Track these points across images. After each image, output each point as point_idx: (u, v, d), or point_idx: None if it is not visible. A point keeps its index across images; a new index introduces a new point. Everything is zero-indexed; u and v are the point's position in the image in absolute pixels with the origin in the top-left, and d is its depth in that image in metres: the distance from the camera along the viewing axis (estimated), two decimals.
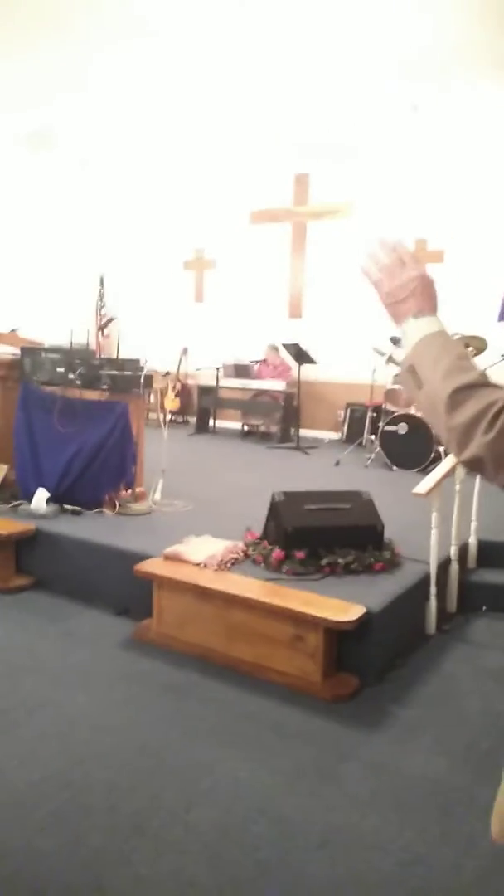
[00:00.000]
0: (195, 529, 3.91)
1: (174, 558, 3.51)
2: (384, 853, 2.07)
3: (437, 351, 1.03)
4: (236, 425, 8.87)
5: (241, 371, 8.28)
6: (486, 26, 4.94)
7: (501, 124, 7.06)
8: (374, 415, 7.15)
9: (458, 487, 3.79)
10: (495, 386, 0.96)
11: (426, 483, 3.50)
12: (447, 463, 3.70)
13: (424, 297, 1.14)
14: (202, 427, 8.70)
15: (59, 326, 8.16)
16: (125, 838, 2.08)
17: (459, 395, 0.96)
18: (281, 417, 8.12)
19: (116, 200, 9.66)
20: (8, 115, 6.88)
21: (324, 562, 3.42)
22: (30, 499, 4.33)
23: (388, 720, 2.78)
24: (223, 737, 2.63)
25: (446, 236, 7.80)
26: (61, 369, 4.60)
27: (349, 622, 2.89)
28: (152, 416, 5.99)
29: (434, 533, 3.49)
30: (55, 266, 9.54)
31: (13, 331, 5.74)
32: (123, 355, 5.25)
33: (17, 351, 4.95)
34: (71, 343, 5.11)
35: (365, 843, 2.10)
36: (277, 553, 3.47)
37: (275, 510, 3.66)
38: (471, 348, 6.45)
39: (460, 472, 3.77)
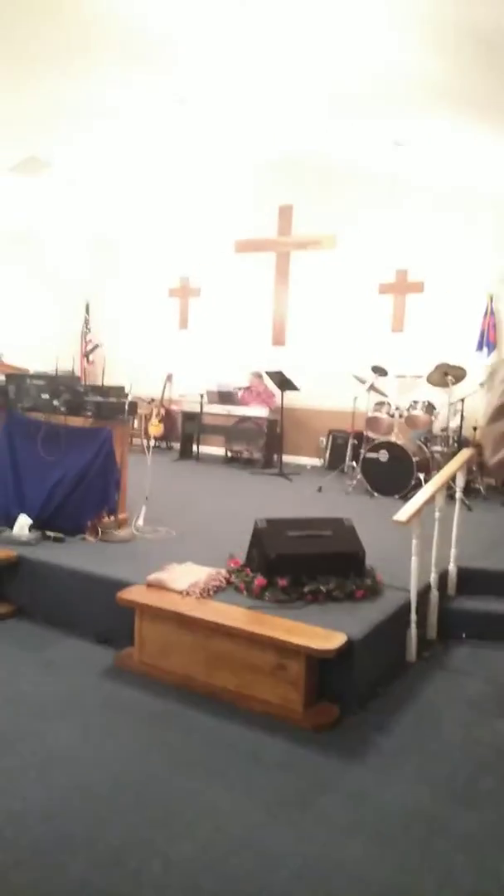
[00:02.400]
0: (178, 556, 3.92)
1: (156, 586, 3.51)
2: (364, 884, 2.07)
3: None
4: (220, 451, 8.90)
5: (224, 397, 8.34)
6: (465, 67, 5.12)
7: (480, 160, 7.27)
8: (356, 442, 7.22)
9: (437, 515, 3.84)
10: None
11: (406, 510, 3.54)
12: (427, 490, 3.75)
13: None
14: (186, 453, 8.72)
15: (44, 353, 8.21)
16: (105, 872, 2.07)
17: None
18: (264, 444, 8.17)
19: (103, 226, 9.76)
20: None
21: (306, 589, 3.44)
22: (11, 525, 4.32)
23: (369, 749, 2.79)
24: (204, 767, 2.62)
25: (426, 268, 7.97)
26: (46, 396, 4.62)
27: (331, 650, 2.90)
28: (136, 441, 6.02)
29: (414, 560, 3.53)
30: (41, 292, 9.59)
31: None
32: (108, 382, 5.29)
33: (2, 377, 4.97)
34: (56, 369, 5.15)
35: (345, 873, 2.10)
36: (260, 580, 3.48)
37: (258, 537, 3.68)
38: (450, 377, 6.58)
39: (440, 499, 3.82)
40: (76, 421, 4.56)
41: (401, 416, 6.82)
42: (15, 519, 4.32)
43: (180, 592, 3.43)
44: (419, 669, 3.49)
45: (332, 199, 8.40)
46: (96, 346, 10.08)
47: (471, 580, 4.11)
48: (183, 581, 3.52)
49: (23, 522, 4.29)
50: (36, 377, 4.88)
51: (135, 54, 5.45)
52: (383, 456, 6.49)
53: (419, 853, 2.20)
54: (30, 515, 4.33)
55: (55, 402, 4.58)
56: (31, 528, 4.29)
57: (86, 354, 10.11)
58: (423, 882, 2.08)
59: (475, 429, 7.10)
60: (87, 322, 10.25)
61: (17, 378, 4.81)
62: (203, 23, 4.90)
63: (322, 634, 3.01)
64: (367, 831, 2.29)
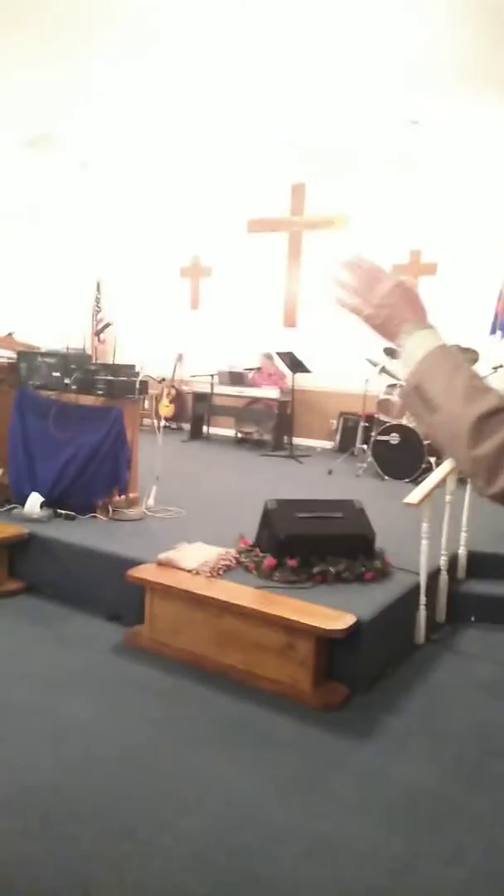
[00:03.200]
0: (188, 536, 3.93)
1: (167, 564, 3.52)
2: (372, 862, 2.08)
3: (449, 371, 0.93)
4: (230, 432, 8.89)
5: (235, 378, 8.31)
6: (483, 43, 5.02)
7: (496, 140, 7.15)
8: (367, 424, 7.19)
9: (448, 498, 3.82)
10: None
11: (417, 493, 3.53)
12: (438, 473, 3.74)
13: (411, 308, 1.03)
14: (196, 434, 8.72)
15: (56, 331, 8.19)
16: (114, 844, 2.09)
17: (487, 423, 0.86)
18: (274, 425, 8.15)
19: (115, 205, 9.69)
20: (9, 120, 6.91)
21: (315, 570, 3.44)
22: (23, 503, 4.34)
23: (378, 729, 2.80)
24: (214, 744, 2.64)
25: (440, 249, 7.88)
26: (57, 374, 4.61)
27: (340, 630, 2.91)
28: (146, 421, 6.01)
29: (424, 543, 3.52)
30: (52, 270, 9.56)
31: (9, 334, 5.75)
32: (119, 361, 5.27)
33: (14, 355, 4.97)
34: (67, 348, 5.14)
35: (353, 851, 2.12)
36: (269, 560, 3.49)
37: (267, 518, 3.68)
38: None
39: (451, 482, 3.80)
40: (87, 399, 4.55)
41: None
42: (27, 497, 4.34)
43: (190, 571, 3.44)
44: (428, 652, 3.50)
45: (346, 178, 8.29)
46: (107, 325, 10.06)
47: (481, 563, 4.10)
48: (193, 560, 3.53)
49: (34, 500, 4.31)
50: (47, 355, 4.86)
51: (149, 29, 5.37)
52: (394, 439, 6.46)
53: (428, 833, 2.22)
54: (41, 493, 4.35)
55: (66, 381, 4.57)
56: (43, 505, 4.30)
57: (97, 333, 10.09)
58: (432, 861, 2.10)
59: None
60: (97, 300, 10.22)
61: (29, 356, 4.80)
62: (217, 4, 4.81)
63: (331, 615, 3.01)
64: (376, 810, 2.31)
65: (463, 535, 4.06)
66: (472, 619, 3.85)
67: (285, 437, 8.04)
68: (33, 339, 5.68)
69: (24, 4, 4.96)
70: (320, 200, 8.55)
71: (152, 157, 8.36)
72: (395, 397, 6.85)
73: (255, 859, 2.06)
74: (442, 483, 3.69)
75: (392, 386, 6.97)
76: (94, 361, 5.36)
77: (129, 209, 9.78)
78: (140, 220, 9.89)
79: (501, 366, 6.49)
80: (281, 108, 7.18)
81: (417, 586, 3.53)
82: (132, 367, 4.85)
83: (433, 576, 3.71)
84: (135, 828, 2.16)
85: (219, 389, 8.33)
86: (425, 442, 6.33)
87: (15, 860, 2.01)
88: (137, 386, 4.65)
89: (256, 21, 5.13)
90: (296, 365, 7.61)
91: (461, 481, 4.40)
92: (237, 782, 2.42)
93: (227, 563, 3.60)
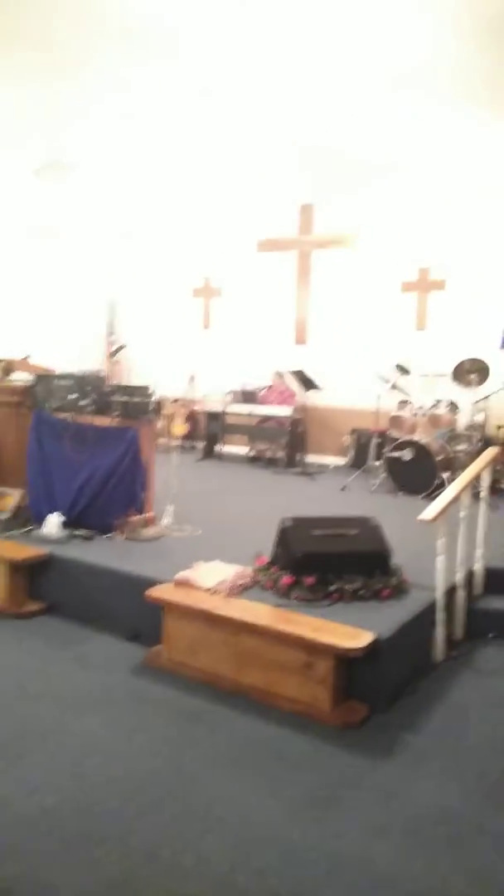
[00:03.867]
0: (204, 554, 3.96)
1: (184, 584, 3.55)
2: (394, 883, 2.08)
3: None
4: (243, 450, 8.94)
5: (247, 397, 8.37)
6: (490, 58, 5.08)
7: (502, 155, 7.21)
8: (380, 440, 7.21)
9: (462, 514, 3.83)
10: None
11: (432, 509, 3.54)
12: (452, 489, 3.75)
13: None
14: (209, 452, 8.77)
15: (71, 353, 8.30)
16: (137, 866, 2.10)
17: None
18: (287, 443, 8.18)
19: (126, 228, 9.85)
20: (20, 142, 7.06)
21: (332, 588, 3.45)
22: (42, 524, 4.39)
23: (398, 748, 2.80)
24: (233, 763, 2.65)
25: (448, 265, 7.93)
26: (73, 396, 4.68)
27: (358, 649, 2.92)
28: (160, 441, 6.07)
29: (440, 559, 3.52)
30: (66, 293, 9.70)
31: (25, 358, 5.85)
32: (133, 382, 5.34)
33: (30, 378, 5.05)
34: (82, 370, 5.21)
35: (375, 872, 2.12)
36: (287, 579, 3.51)
37: (284, 536, 3.71)
38: (474, 375, 6.54)
39: (465, 498, 3.81)
40: (103, 421, 4.62)
41: (424, 414, 6.79)
42: (45, 517, 4.39)
43: (207, 590, 3.47)
44: (447, 669, 3.49)
45: (354, 196, 8.40)
46: (121, 347, 10.17)
47: (498, 579, 4.09)
48: (210, 579, 3.55)
49: (52, 521, 4.36)
50: (63, 377, 4.94)
51: (157, 48, 5.48)
52: (407, 455, 6.47)
53: (450, 853, 2.21)
54: (59, 514, 4.39)
55: (82, 402, 4.64)
56: (61, 526, 4.35)
57: (111, 354, 10.20)
58: (455, 882, 2.09)
59: (500, 427, 7.05)
60: (111, 323, 10.35)
61: (45, 379, 4.88)
62: (224, 14, 4.90)
63: (349, 633, 3.02)
64: (397, 830, 2.31)
65: (479, 551, 4.06)
66: (491, 635, 3.84)
67: (298, 455, 8.07)
68: (49, 361, 5.78)
69: (29, 24, 5.09)
70: (329, 220, 8.65)
71: (162, 180, 8.50)
72: (407, 413, 6.87)
73: (276, 880, 2.07)
74: (457, 499, 3.70)
75: (404, 402, 7.00)
76: (109, 383, 5.42)
77: (141, 231, 9.93)
78: (151, 242, 10.04)
79: None
80: (288, 130, 7.30)
81: (434, 603, 3.53)
82: (146, 387, 4.91)
83: (450, 593, 3.70)
84: (157, 849, 2.17)
85: (231, 408, 8.39)
86: (438, 457, 6.33)
87: (37, 882, 2.02)
88: (152, 406, 4.71)
89: (264, 40, 5.22)
90: (307, 382, 7.66)
91: (476, 497, 4.41)
92: (258, 802, 2.43)
93: (244, 581, 3.62)
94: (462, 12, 4.58)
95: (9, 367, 5.20)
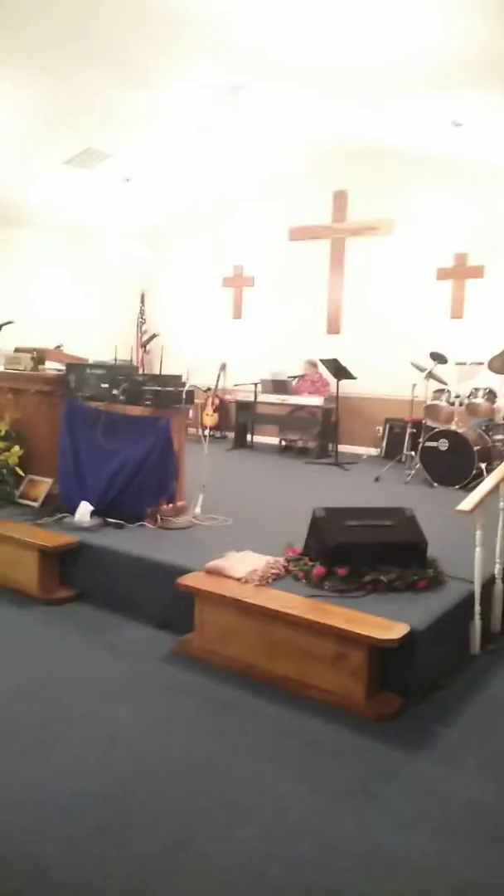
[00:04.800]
0: (235, 544, 3.93)
1: (215, 573, 3.52)
2: (429, 877, 2.03)
3: None
4: (274, 440, 8.89)
5: (279, 387, 8.30)
6: None
7: None
8: (415, 431, 7.09)
9: (502, 504, 3.72)
10: None
11: (470, 500, 3.45)
12: (491, 479, 3.65)
13: None
14: (240, 442, 8.73)
15: (103, 343, 8.34)
16: (168, 852, 2.09)
17: None
18: (319, 433, 8.10)
19: (158, 218, 9.83)
20: (54, 134, 7.08)
21: (366, 579, 3.39)
22: (73, 512, 4.41)
23: (433, 741, 2.73)
24: (266, 754, 2.62)
25: (486, 251, 7.74)
26: (105, 385, 4.68)
27: (393, 640, 2.85)
28: (191, 430, 6.06)
29: (478, 551, 3.43)
30: (98, 283, 9.74)
31: (58, 347, 5.88)
32: (165, 371, 5.33)
33: (63, 367, 5.07)
34: (115, 359, 5.21)
35: (409, 865, 2.07)
36: (319, 569, 3.45)
37: (316, 526, 3.65)
38: None
39: None
40: (135, 410, 4.61)
41: (461, 403, 6.65)
42: (77, 506, 4.41)
43: (239, 579, 3.44)
44: (483, 662, 3.41)
45: (388, 183, 8.23)
46: (153, 336, 10.19)
47: None
48: (241, 568, 3.52)
49: (84, 509, 4.37)
50: (95, 367, 4.95)
51: (189, 43, 5.44)
52: (443, 445, 6.35)
53: (487, 849, 2.15)
54: (90, 502, 4.41)
55: (114, 391, 4.64)
56: (92, 514, 4.36)
57: (143, 344, 10.23)
58: (491, 878, 2.03)
59: None
60: (142, 312, 10.38)
61: (77, 368, 4.89)
62: (256, 6, 4.84)
63: (384, 624, 2.96)
64: (432, 824, 2.25)
65: None
66: None
67: (330, 445, 7.99)
68: (81, 351, 5.80)
69: (67, 19, 5.09)
70: (363, 206, 8.50)
71: (194, 168, 8.45)
72: (443, 402, 6.73)
73: (309, 871, 2.03)
74: (495, 489, 3.60)
75: (440, 391, 6.86)
76: (140, 372, 5.43)
77: (172, 221, 9.91)
78: (183, 231, 10.02)
79: None
80: (322, 115, 7.19)
81: (472, 595, 3.44)
82: (178, 377, 4.89)
83: (488, 584, 3.61)
84: (188, 837, 2.16)
85: (262, 398, 8.34)
86: (476, 447, 6.20)
87: (72, 868, 2.02)
88: (184, 396, 4.69)
89: (297, 27, 5.14)
90: (340, 371, 7.56)
91: None
92: (290, 793, 2.39)
93: (276, 571, 3.58)
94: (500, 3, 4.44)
95: (41, 357, 5.23)
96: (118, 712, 2.87)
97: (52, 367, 5.25)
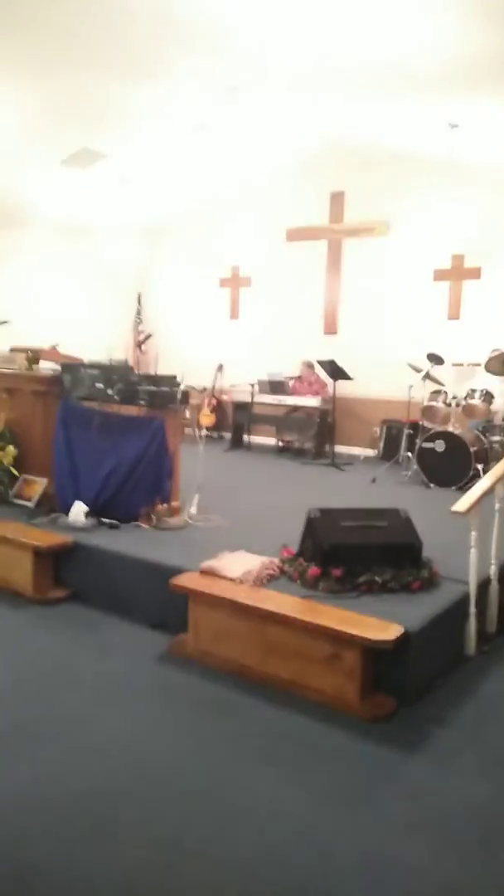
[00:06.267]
0: (230, 544, 3.91)
1: (210, 573, 3.51)
2: (424, 879, 2.01)
3: None
4: (271, 441, 8.87)
5: (275, 387, 8.29)
6: None
7: None
8: (411, 432, 7.08)
9: (497, 506, 3.72)
10: None
11: (465, 501, 3.44)
12: (486, 480, 3.64)
13: None
14: (237, 443, 8.72)
15: (98, 343, 8.32)
16: (162, 854, 2.07)
17: None
18: (316, 434, 8.09)
19: (154, 218, 9.82)
20: (50, 135, 7.07)
21: (361, 580, 3.38)
22: (67, 512, 4.39)
23: (428, 742, 2.72)
24: (260, 755, 2.61)
25: (483, 252, 7.73)
26: (100, 385, 4.66)
27: (387, 641, 2.84)
28: (187, 431, 6.05)
29: (473, 552, 3.42)
30: (94, 283, 9.72)
31: (53, 347, 5.86)
32: (161, 371, 5.31)
33: (58, 367, 5.05)
34: (110, 359, 5.19)
35: (404, 867, 2.05)
36: (314, 570, 3.44)
37: (311, 527, 3.64)
38: None
39: (500, 489, 3.70)
40: (130, 410, 4.59)
41: (458, 405, 6.64)
42: (71, 506, 4.39)
43: (233, 580, 3.42)
44: (478, 663, 3.39)
45: (385, 184, 8.22)
46: (149, 336, 10.17)
47: None
48: (236, 569, 3.50)
49: (78, 509, 4.36)
50: (90, 366, 4.93)
51: (186, 43, 5.43)
52: (440, 446, 6.34)
53: (482, 852, 2.13)
54: (85, 502, 4.39)
55: (109, 391, 4.62)
56: (87, 514, 4.34)
57: (139, 344, 10.21)
58: (487, 881, 2.02)
59: None
60: (139, 312, 10.36)
61: (72, 368, 4.87)
62: (253, 8, 4.83)
63: (378, 625, 2.95)
64: (427, 826, 2.24)
65: None
66: None
67: (327, 446, 7.98)
68: (77, 350, 5.77)
69: (63, 20, 5.07)
70: (360, 207, 8.49)
71: (191, 169, 8.44)
72: (440, 404, 6.72)
73: (303, 873, 2.02)
74: (491, 490, 3.59)
75: (437, 392, 6.85)
76: (136, 372, 5.40)
77: (169, 221, 9.89)
78: (179, 232, 10.00)
79: None
80: (318, 116, 7.18)
81: (467, 596, 3.43)
82: (174, 377, 4.88)
83: (483, 585, 3.60)
84: (181, 838, 2.14)
85: (259, 398, 8.33)
86: (473, 448, 6.19)
87: (66, 869, 2.00)
88: (179, 396, 4.67)
89: (294, 29, 5.13)
90: (337, 372, 7.55)
91: None
92: (284, 794, 2.37)
93: (271, 572, 3.56)
94: (496, 4, 4.43)
95: (36, 356, 5.21)
96: (112, 713, 2.85)
97: (47, 366, 5.23)
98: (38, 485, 4.86)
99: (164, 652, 3.41)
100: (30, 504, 4.80)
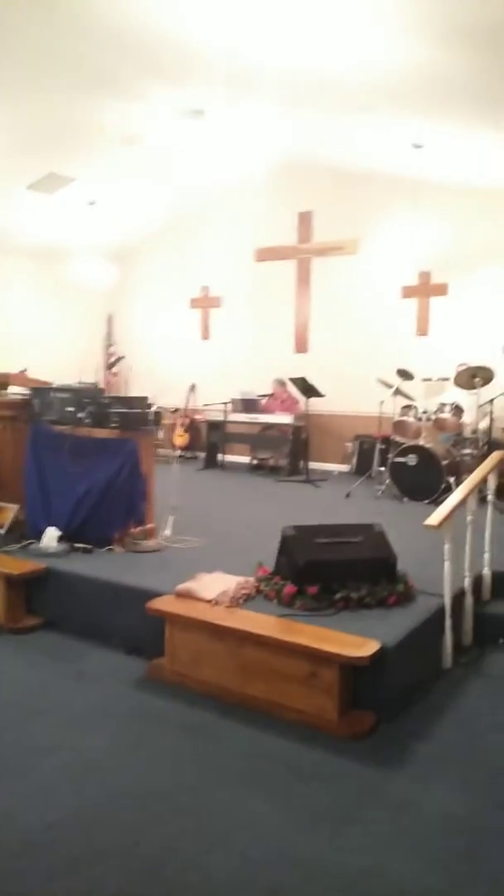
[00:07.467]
0: (206, 565, 3.89)
1: (186, 595, 3.48)
2: (408, 895, 2.00)
3: None
4: (245, 459, 8.88)
5: (248, 406, 8.32)
6: (478, 63, 5.06)
7: (500, 159, 7.18)
8: (384, 446, 7.14)
9: (469, 518, 3.76)
10: None
11: (438, 514, 3.47)
12: (458, 493, 3.68)
13: None
14: (211, 462, 8.71)
15: (68, 366, 8.27)
16: (141, 883, 2.03)
17: None
18: (289, 451, 8.12)
19: (124, 240, 9.84)
20: (18, 158, 7.06)
21: (337, 596, 3.38)
22: (39, 538, 4.33)
23: (408, 757, 2.72)
24: (240, 778, 2.58)
25: (449, 269, 7.89)
26: (70, 408, 4.63)
27: (364, 658, 2.84)
28: (161, 451, 6.03)
29: (447, 565, 3.45)
30: (63, 306, 9.69)
31: (22, 371, 5.81)
32: (132, 393, 5.30)
33: (27, 391, 5.01)
34: (79, 382, 5.17)
35: (389, 886, 2.04)
36: (290, 588, 3.44)
37: (286, 545, 3.64)
38: (478, 379, 6.48)
39: (472, 502, 3.74)
40: (101, 433, 4.56)
41: (428, 419, 6.73)
42: (43, 531, 4.33)
43: (210, 601, 3.40)
44: (456, 676, 3.41)
45: (353, 203, 8.37)
46: (120, 358, 10.16)
47: None
48: (212, 590, 3.48)
49: (50, 535, 4.30)
50: (60, 390, 4.90)
51: (150, 65, 5.49)
52: (412, 460, 6.40)
53: (466, 865, 2.13)
54: (57, 527, 4.34)
55: (80, 415, 4.59)
56: (59, 539, 4.29)
57: (109, 366, 10.19)
58: (467, 892, 2.01)
59: None
60: (109, 334, 10.35)
61: (42, 392, 4.84)
62: (216, 31, 4.91)
63: (355, 642, 2.95)
64: (410, 842, 2.23)
65: (486, 555, 3.98)
66: (501, 640, 3.75)
67: (301, 462, 8.01)
68: (46, 374, 5.74)
69: (26, 45, 5.10)
70: (328, 226, 8.62)
71: (158, 191, 8.51)
72: (411, 418, 6.80)
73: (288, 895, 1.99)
74: (463, 503, 3.63)
75: (407, 407, 6.93)
76: (107, 395, 5.38)
77: (138, 243, 9.93)
78: (149, 253, 10.04)
79: None
80: (285, 136, 7.30)
81: (442, 609, 3.45)
82: (145, 398, 4.87)
83: (458, 598, 3.63)
84: (161, 866, 2.10)
85: (232, 417, 8.34)
86: (444, 462, 6.26)
87: None
88: (151, 417, 4.66)
89: (258, 51, 5.21)
90: (309, 390, 7.61)
91: (482, 500, 4.34)
92: (265, 816, 2.35)
93: (247, 591, 3.55)
94: (456, 27, 4.56)
95: (4, 381, 5.16)
96: (89, 740, 2.80)
97: (16, 391, 5.18)
98: (9, 511, 4.79)
99: (141, 677, 3.36)
100: (0, 531, 4.72)
